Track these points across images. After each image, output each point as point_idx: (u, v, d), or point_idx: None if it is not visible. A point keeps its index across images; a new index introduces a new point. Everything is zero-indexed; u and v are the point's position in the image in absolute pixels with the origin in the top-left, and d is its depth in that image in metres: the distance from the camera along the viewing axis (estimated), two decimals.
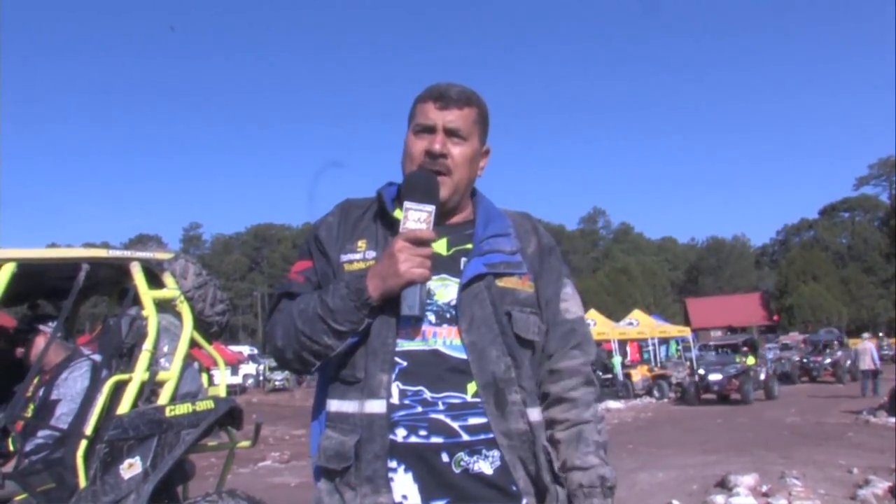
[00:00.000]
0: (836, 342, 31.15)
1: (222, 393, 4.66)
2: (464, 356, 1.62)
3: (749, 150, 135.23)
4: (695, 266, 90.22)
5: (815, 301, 62.74)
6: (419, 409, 1.59)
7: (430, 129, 1.72)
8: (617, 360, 26.03)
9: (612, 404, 21.43)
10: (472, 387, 1.61)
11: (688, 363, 28.37)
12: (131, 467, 3.81)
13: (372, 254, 1.68)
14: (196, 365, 4.69)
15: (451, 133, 1.72)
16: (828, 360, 29.61)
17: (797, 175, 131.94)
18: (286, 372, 37.23)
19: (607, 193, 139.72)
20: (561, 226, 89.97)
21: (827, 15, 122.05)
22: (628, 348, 30.01)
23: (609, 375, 24.64)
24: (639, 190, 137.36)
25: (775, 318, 66.80)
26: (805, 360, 30.03)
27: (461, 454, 1.58)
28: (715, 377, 21.65)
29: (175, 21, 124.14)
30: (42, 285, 4.63)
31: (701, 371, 22.47)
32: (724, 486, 8.17)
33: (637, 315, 32.66)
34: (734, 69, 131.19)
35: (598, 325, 26.38)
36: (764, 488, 7.99)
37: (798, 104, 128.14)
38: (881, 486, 7.75)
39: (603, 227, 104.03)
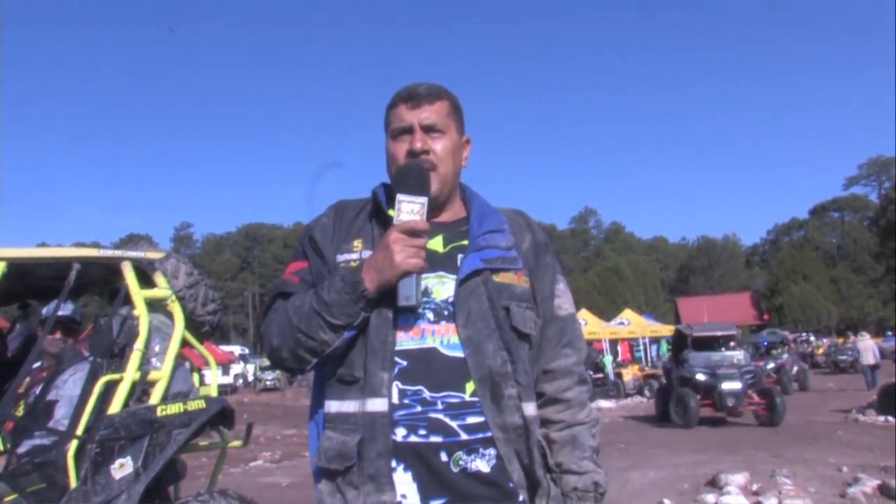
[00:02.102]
0: (780, 344, 26.72)
1: (214, 392, 4.65)
2: (461, 355, 1.63)
3: (739, 150, 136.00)
4: (686, 265, 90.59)
5: (806, 300, 63.06)
6: (418, 408, 1.60)
7: (407, 130, 1.74)
8: (608, 359, 26.10)
9: (604, 404, 21.44)
10: (470, 386, 1.62)
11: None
12: (122, 467, 3.80)
13: (368, 253, 1.68)
14: (187, 364, 4.69)
15: (428, 129, 1.74)
16: (770, 366, 23.18)
17: (787, 175, 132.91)
18: (277, 372, 37.29)
19: (598, 193, 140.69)
20: (552, 225, 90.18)
21: (818, 16, 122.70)
22: (619, 348, 30.17)
23: (600, 375, 24.65)
24: (630, 190, 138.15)
25: (766, 317, 67.06)
26: None
27: (459, 453, 1.59)
28: (731, 386, 15.16)
29: (169, 22, 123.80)
30: (33, 285, 4.61)
31: (701, 376, 15.65)
32: (714, 484, 8.19)
33: (628, 314, 32.84)
34: (724, 71, 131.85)
35: (590, 324, 26.47)
36: (754, 487, 8.02)
37: (788, 105, 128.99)
38: (870, 484, 7.78)
39: (594, 227, 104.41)
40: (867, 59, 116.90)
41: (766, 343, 28.27)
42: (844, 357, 32.52)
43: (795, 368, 24.64)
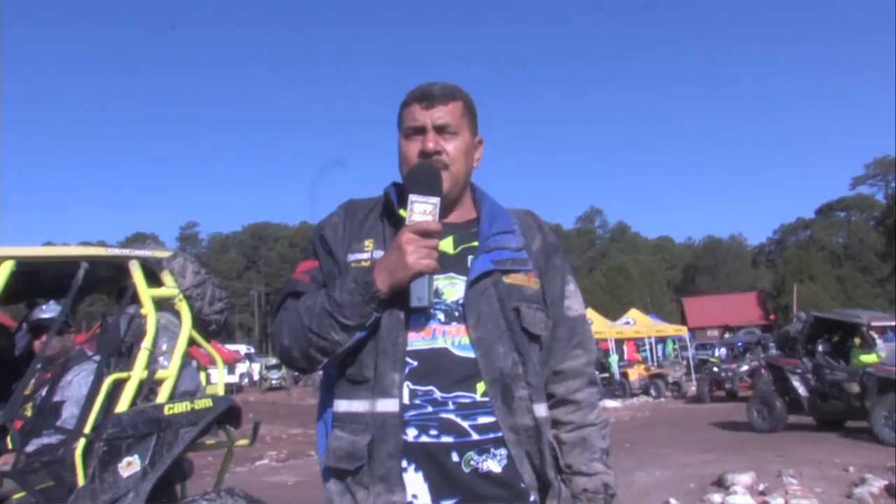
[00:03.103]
0: (756, 345, 22.70)
1: (221, 391, 4.66)
2: (472, 355, 1.63)
3: (746, 149, 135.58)
4: (691, 265, 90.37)
5: (812, 300, 62.91)
6: (430, 408, 1.60)
7: (420, 130, 1.73)
8: (614, 359, 26.07)
9: (609, 403, 21.35)
10: (481, 386, 1.62)
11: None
12: (130, 466, 3.81)
13: (379, 253, 1.68)
14: (194, 363, 4.69)
15: (441, 129, 1.73)
16: (744, 368, 21.03)
17: (794, 174, 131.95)
18: (283, 371, 37.39)
19: (604, 192, 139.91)
20: (558, 225, 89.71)
21: (823, 15, 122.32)
22: (625, 347, 30.07)
23: (606, 374, 24.63)
24: (636, 189, 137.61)
25: (772, 317, 66.95)
26: (717, 370, 21.96)
27: (471, 453, 1.60)
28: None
29: (172, 20, 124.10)
30: (41, 283, 4.62)
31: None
32: (721, 484, 8.19)
33: (634, 314, 32.70)
34: (731, 70, 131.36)
35: (595, 324, 26.36)
36: (761, 487, 8.00)
37: (794, 104, 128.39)
38: (877, 484, 7.77)
39: (600, 227, 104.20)
40: (874, 57, 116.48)
41: (740, 343, 24.90)
42: None
43: None
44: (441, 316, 1.66)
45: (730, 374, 21.17)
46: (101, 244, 4.74)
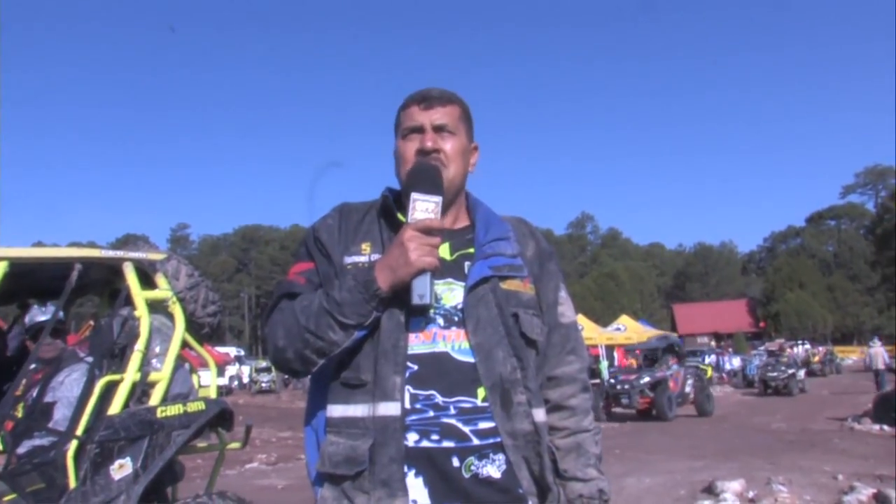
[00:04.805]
0: (672, 353, 20.03)
1: (213, 394, 4.65)
2: (472, 360, 1.63)
3: (737, 157, 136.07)
4: (682, 272, 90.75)
5: (801, 308, 63.31)
6: (431, 413, 1.59)
7: (418, 130, 1.75)
8: (604, 365, 26.11)
9: None
10: (481, 391, 1.62)
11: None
12: (122, 468, 3.80)
13: (377, 257, 1.67)
14: (187, 366, 4.69)
15: (439, 129, 1.75)
16: (645, 380, 18.23)
17: (784, 183, 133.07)
18: (273, 373, 37.28)
19: (595, 198, 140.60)
20: (549, 230, 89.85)
21: (816, 24, 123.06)
22: (615, 353, 30.11)
23: (597, 380, 24.62)
24: (627, 195, 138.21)
25: (761, 324, 67.29)
26: (612, 382, 19.07)
27: (471, 458, 1.59)
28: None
29: (169, 21, 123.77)
30: (33, 285, 4.60)
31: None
32: (710, 491, 8.21)
33: (624, 320, 32.77)
34: (722, 78, 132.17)
35: (586, 329, 26.38)
36: (750, 494, 8.03)
37: (785, 112, 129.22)
38: (866, 492, 7.80)
39: (591, 232, 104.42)
40: (865, 67, 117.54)
41: (651, 348, 21.30)
42: (776, 374, 26.71)
43: (689, 385, 19.26)
44: (440, 320, 1.65)
45: (627, 388, 18.33)
46: (92, 245, 4.72)
